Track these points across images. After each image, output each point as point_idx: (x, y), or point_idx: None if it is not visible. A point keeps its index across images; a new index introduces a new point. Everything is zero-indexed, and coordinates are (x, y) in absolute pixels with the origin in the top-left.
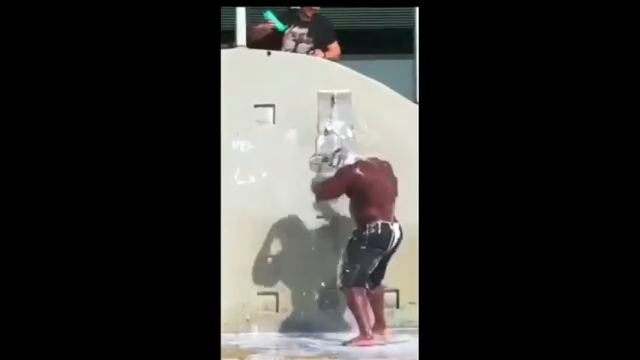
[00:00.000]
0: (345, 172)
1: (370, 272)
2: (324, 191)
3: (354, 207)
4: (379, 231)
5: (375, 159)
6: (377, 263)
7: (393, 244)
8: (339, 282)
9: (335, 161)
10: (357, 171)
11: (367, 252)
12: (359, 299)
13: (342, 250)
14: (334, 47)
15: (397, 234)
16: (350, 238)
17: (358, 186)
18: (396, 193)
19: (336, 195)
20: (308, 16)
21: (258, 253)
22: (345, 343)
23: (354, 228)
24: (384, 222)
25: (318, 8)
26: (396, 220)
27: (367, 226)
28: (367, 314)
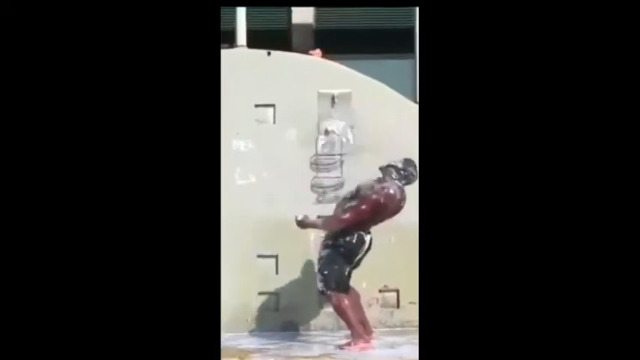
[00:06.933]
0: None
1: (343, 278)
2: (347, 220)
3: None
4: (354, 240)
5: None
6: (347, 270)
7: (362, 253)
8: (320, 286)
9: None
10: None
11: (342, 258)
12: (345, 302)
13: (320, 255)
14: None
15: (367, 245)
16: (325, 242)
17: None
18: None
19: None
20: None
21: (258, 253)
22: (340, 347)
23: (328, 234)
24: (360, 232)
25: None
26: (369, 232)
27: (344, 233)
28: (356, 316)
